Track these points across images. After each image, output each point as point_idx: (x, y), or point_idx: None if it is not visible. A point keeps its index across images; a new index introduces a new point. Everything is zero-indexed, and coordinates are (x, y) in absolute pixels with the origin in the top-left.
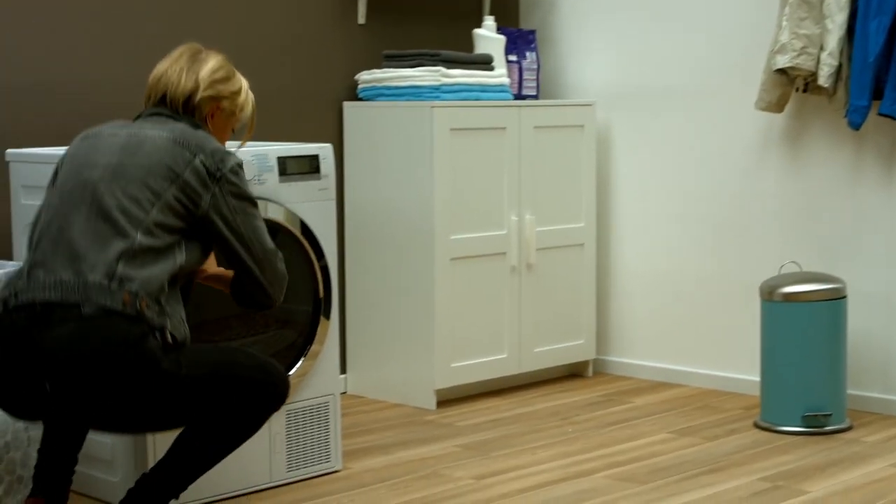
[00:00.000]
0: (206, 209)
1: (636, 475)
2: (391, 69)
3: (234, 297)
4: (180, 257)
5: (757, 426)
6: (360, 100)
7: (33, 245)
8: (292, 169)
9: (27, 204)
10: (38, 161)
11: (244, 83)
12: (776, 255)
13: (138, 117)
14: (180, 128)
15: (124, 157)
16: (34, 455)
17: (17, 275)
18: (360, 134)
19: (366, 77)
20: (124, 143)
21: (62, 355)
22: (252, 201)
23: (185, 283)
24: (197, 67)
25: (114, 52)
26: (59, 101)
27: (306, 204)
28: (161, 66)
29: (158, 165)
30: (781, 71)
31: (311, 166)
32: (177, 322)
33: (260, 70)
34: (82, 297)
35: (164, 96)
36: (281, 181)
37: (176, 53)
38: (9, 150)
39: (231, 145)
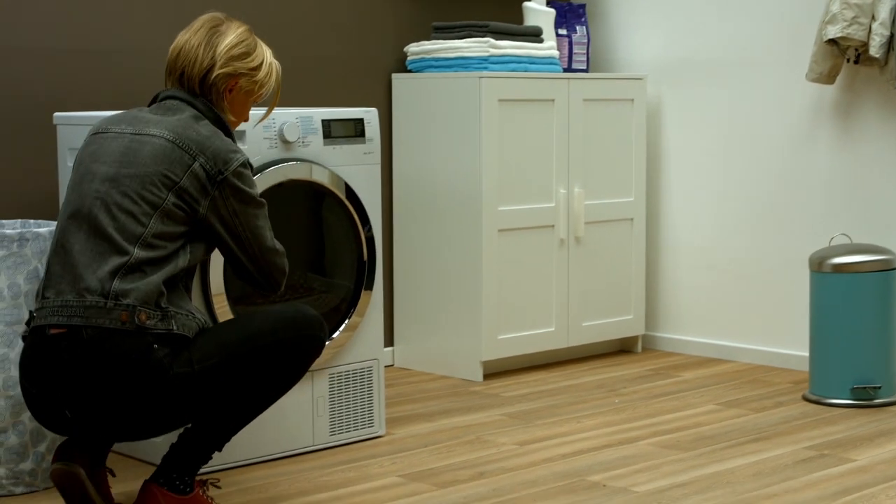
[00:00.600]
0: (205, 213)
1: (680, 443)
2: (440, 41)
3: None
4: (182, 260)
5: (805, 399)
6: (409, 72)
7: (47, 264)
8: (337, 132)
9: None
10: (84, 124)
11: (266, 56)
12: (827, 228)
13: (155, 99)
14: (186, 122)
15: (122, 168)
16: None
17: (36, 293)
18: (409, 105)
19: (414, 49)
20: (124, 150)
21: (72, 383)
22: (256, 202)
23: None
24: (215, 41)
25: (159, 19)
26: (106, 66)
27: (351, 167)
28: (180, 39)
29: (155, 174)
30: (832, 42)
31: (356, 130)
32: (184, 318)
33: (310, 41)
34: (83, 321)
35: (182, 74)
36: (325, 144)
37: (196, 24)
38: (56, 114)
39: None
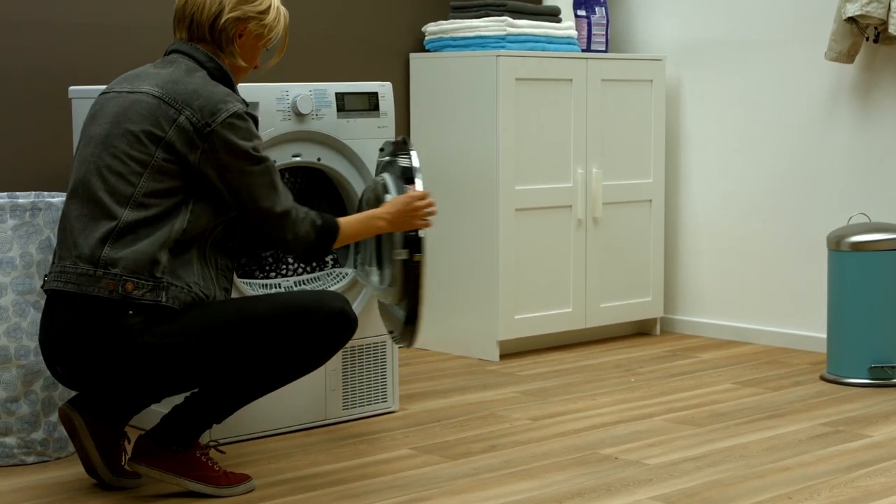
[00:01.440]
0: (197, 166)
1: (695, 419)
2: (457, 20)
3: None
4: (181, 221)
5: (823, 379)
6: (427, 51)
7: (59, 229)
8: (351, 105)
9: None
10: None
11: (274, 1)
12: (845, 208)
13: (168, 52)
14: (176, 75)
15: (112, 128)
16: None
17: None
18: (427, 85)
19: (432, 28)
20: (117, 110)
21: (59, 343)
22: (249, 156)
23: (227, 239)
24: None
25: None
26: (121, 40)
27: (365, 141)
28: None
29: (142, 132)
30: (851, 20)
31: (370, 103)
32: (176, 291)
33: (328, 20)
34: (76, 288)
35: (191, 21)
36: (339, 117)
37: None
38: (71, 87)
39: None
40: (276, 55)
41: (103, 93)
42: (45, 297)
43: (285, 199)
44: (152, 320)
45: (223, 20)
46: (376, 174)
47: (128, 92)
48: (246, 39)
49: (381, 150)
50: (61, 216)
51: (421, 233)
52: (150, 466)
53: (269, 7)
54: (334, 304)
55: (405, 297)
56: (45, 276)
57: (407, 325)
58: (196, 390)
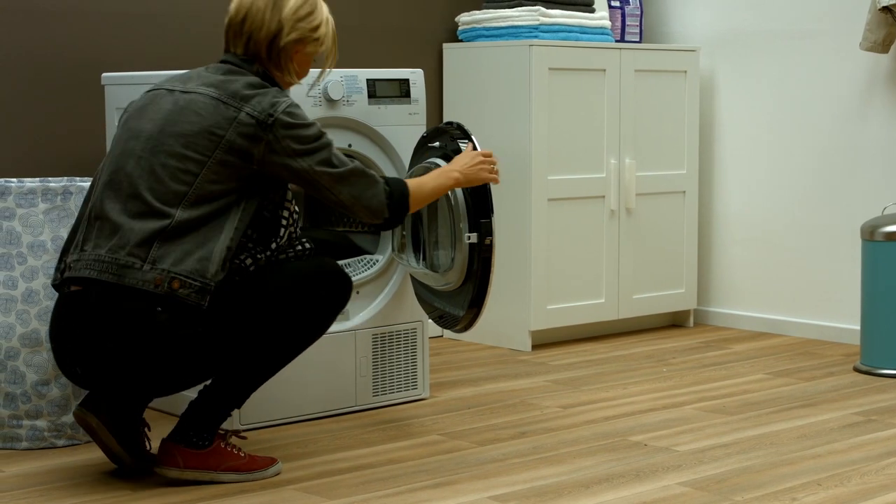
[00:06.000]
0: (262, 159)
1: (726, 408)
2: (491, 10)
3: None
4: (232, 222)
5: (856, 370)
6: (460, 41)
7: (86, 216)
8: (382, 92)
9: None
10: (132, 83)
11: (324, 12)
12: (880, 199)
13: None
14: (230, 78)
15: (166, 125)
16: None
17: (74, 245)
18: (460, 74)
19: (465, 18)
20: (170, 108)
21: (83, 338)
22: (314, 137)
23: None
24: (280, 4)
25: None
26: (154, 28)
27: (396, 128)
28: (244, 1)
29: (200, 132)
30: (886, 9)
31: (401, 90)
32: (216, 292)
33: (362, 10)
34: (114, 277)
35: (249, 38)
36: (370, 103)
37: None
38: (104, 74)
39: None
40: (327, 63)
41: (152, 89)
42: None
43: (354, 175)
44: (179, 317)
45: (283, 42)
46: (424, 160)
47: (181, 91)
48: (300, 56)
49: (425, 136)
50: (91, 205)
51: (492, 216)
52: (180, 468)
53: (321, 22)
54: (331, 266)
55: (470, 280)
56: (69, 260)
57: (471, 308)
58: (209, 382)
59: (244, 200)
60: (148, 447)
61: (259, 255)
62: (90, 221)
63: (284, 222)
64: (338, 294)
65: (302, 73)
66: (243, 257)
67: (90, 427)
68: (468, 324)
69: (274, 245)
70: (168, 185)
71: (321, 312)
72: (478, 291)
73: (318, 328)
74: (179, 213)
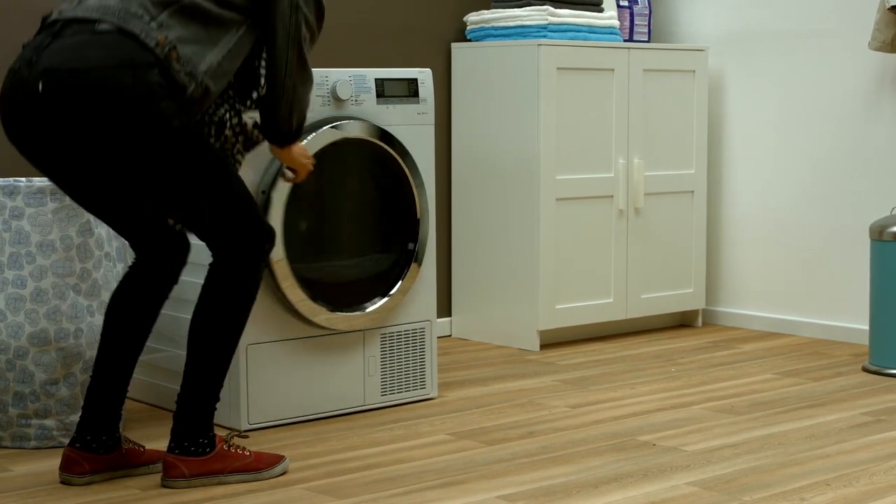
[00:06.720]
0: None
1: (735, 408)
2: (499, 9)
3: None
4: (226, 46)
5: (865, 370)
6: (469, 41)
7: None
8: (391, 91)
9: None
10: None
11: None
12: (888, 198)
13: None
14: None
15: None
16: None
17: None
18: (468, 74)
19: (474, 18)
20: None
21: (55, 64)
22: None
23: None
24: None
25: None
26: None
27: (404, 127)
28: None
29: None
30: (895, 9)
31: (409, 90)
32: (204, 91)
33: (370, 9)
34: (117, 20)
35: None
36: (379, 103)
37: None
38: None
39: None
40: None
41: None
42: (79, 270)
43: (308, 71)
44: (171, 95)
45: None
46: None
47: None
48: None
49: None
50: None
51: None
52: (186, 478)
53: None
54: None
55: None
56: (61, 9)
57: None
58: (180, 389)
59: (244, 28)
60: (131, 447)
61: (238, 106)
62: None
63: (263, 73)
64: (257, 254)
65: None
66: (222, 112)
67: (83, 470)
68: None
69: (255, 95)
70: None
71: (251, 279)
72: None
73: (253, 289)
74: None
